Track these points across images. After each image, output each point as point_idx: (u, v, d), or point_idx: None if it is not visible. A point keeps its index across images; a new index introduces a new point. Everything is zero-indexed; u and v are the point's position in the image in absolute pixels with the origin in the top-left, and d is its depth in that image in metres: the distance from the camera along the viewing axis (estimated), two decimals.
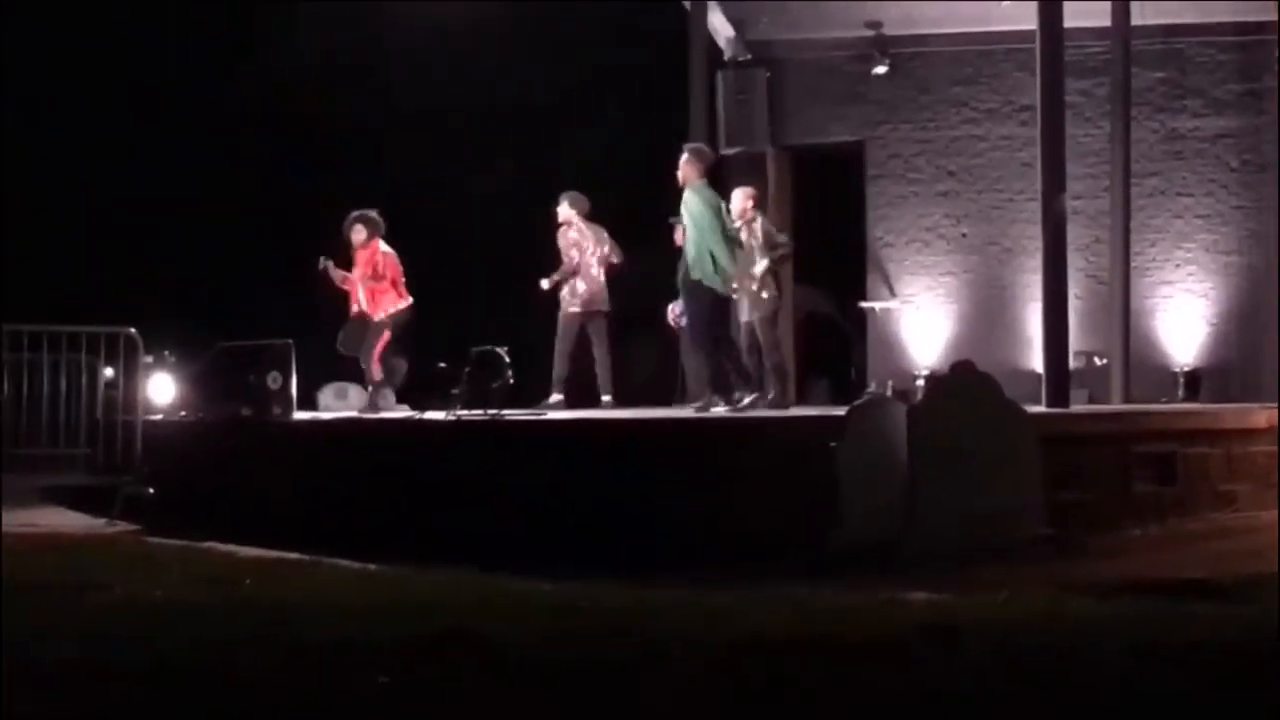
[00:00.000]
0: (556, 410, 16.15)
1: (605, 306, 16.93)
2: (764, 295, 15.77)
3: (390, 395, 16.89)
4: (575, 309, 16.84)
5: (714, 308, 15.47)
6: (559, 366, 16.77)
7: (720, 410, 15.03)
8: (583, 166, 19.61)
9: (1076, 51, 17.95)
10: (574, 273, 16.87)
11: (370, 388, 16.92)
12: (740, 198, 16.05)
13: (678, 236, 16.41)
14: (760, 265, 15.70)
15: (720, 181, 20.33)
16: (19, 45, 23.55)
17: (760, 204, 16.17)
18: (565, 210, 17.00)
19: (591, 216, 17.07)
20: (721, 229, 15.30)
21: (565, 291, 16.88)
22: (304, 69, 22.94)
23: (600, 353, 16.88)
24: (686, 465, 12.50)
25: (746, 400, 15.18)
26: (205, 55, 23.73)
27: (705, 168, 15.66)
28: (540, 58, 21.75)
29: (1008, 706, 7.05)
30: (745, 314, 16.03)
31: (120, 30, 23.71)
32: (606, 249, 16.95)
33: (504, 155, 22.34)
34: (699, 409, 15.27)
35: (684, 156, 15.61)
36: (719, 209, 15.42)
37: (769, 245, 15.82)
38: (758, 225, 15.89)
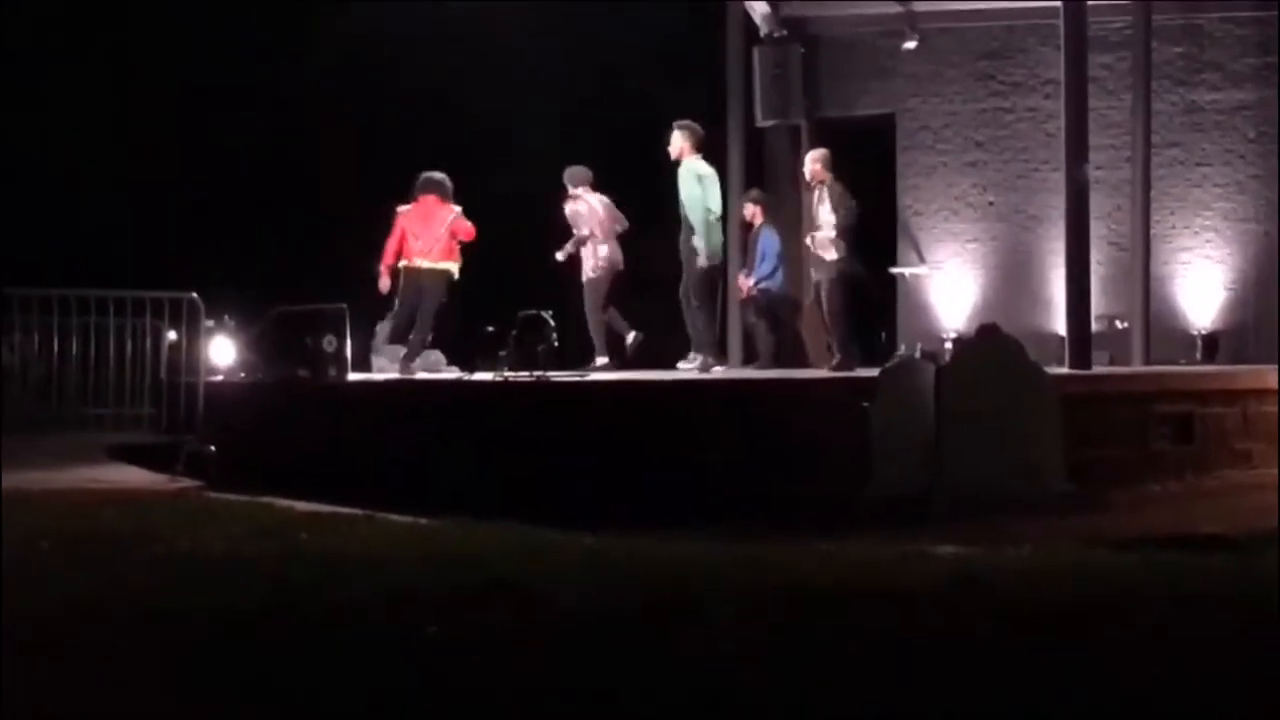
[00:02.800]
0: (603, 372, 16.14)
1: (620, 268, 16.86)
2: (828, 258, 15.81)
3: (426, 356, 16.83)
4: (598, 274, 16.73)
5: (707, 272, 15.74)
6: (600, 330, 16.72)
7: (718, 370, 15.61)
8: (621, 141, 19.58)
9: (1099, 27, 17.83)
10: (584, 242, 16.75)
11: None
12: (810, 161, 16.19)
13: (747, 213, 17.65)
14: (826, 229, 15.77)
15: (758, 153, 20.42)
16: (93, 21, 23.62)
17: (831, 167, 16.10)
18: (571, 183, 16.91)
19: (611, 188, 17.02)
20: (712, 203, 15.67)
21: (588, 259, 16.77)
22: (359, 46, 22.95)
23: (611, 313, 16.78)
24: (724, 425, 12.48)
25: (710, 362, 15.75)
26: (267, 30, 23.75)
27: (698, 143, 15.84)
28: (582, 36, 21.68)
29: (1032, 653, 7.02)
30: (815, 276, 16.18)
31: (189, 3, 23.74)
32: (613, 216, 16.85)
33: (545, 130, 22.31)
34: (701, 368, 15.59)
35: (676, 132, 15.80)
36: (714, 182, 15.74)
37: (837, 209, 15.79)
38: (826, 189, 15.88)
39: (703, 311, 15.81)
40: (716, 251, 15.76)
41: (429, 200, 16.22)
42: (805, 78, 20.16)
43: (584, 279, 16.78)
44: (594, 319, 16.69)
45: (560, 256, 16.91)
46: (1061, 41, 15.29)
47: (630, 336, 16.53)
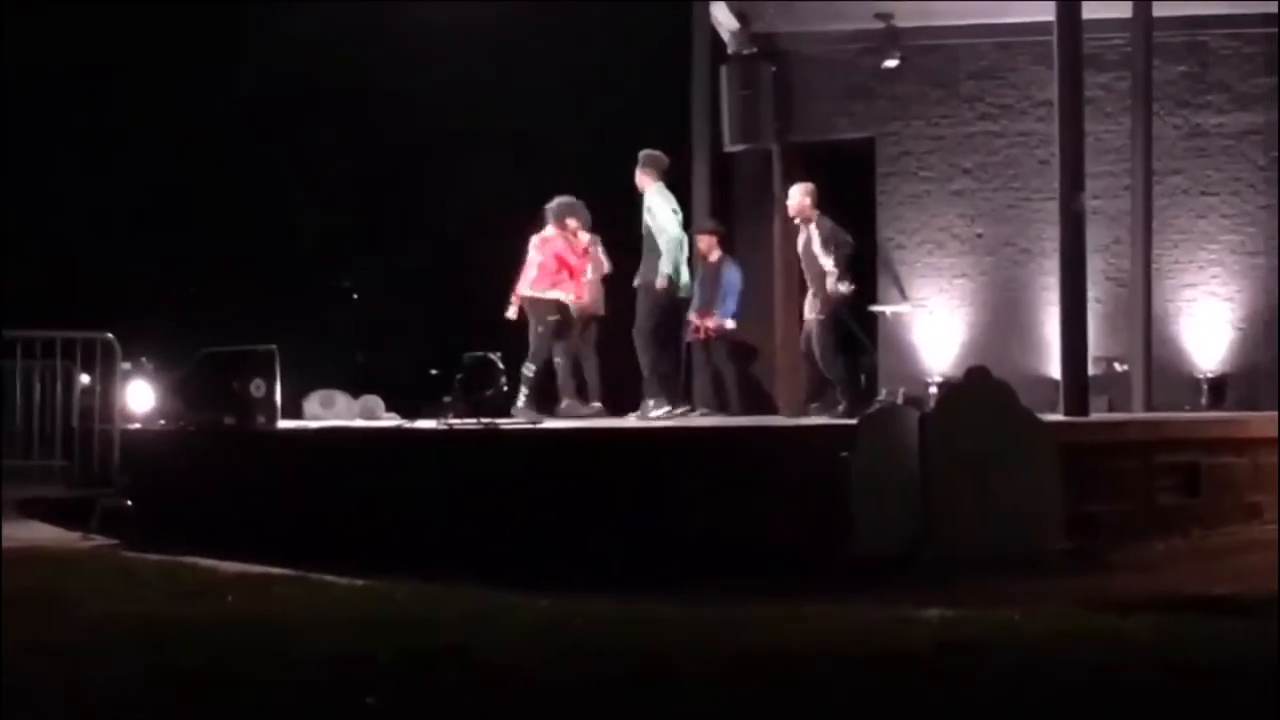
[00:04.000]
0: (598, 416, 16.29)
1: (601, 312, 17.02)
2: (824, 295, 15.88)
3: (365, 401, 16.91)
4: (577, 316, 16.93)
5: (665, 310, 16.05)
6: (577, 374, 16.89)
7: (658, 414, 15.65)
8: (579, 166, 19.60)
9: (1096, 44, 17.94)
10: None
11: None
12: (798, 194, 16.31)
13: (702, 245, 17.65)
14: (825, 264, 15.85)
15: (726, 180, 20.44)
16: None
17: (819, 202, 16.22)
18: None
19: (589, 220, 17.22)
20: (680, 234, 16.11)
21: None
22: (287, 72, 22.93)
23: (591, 359, 16.93)
24: (692, 476, 12.48)
25: (659, 411, 15.79)
26: (186, 57, 23.73)
27: (661, 173, 16.26)
28: (539, 52, 21.73)
29: None
30: (807, 313, 16.24)
31: (103, 31, 23.72)
32: (596, 259, 17.03)
33: (499, 155, 22.34)
34: (639, 416, 15.81)
35: (640, 163, 16.25)
36: (678, 213, 16.17)
37: (830, 244, 15.87)
38: (813, 225, 16.00)
39: (650, 348, 15.93)
40: (682, 283, 15.98)
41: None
42: (777, 98, 20.20)
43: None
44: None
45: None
46: (1055, 60, 15.37)
47: (593, 406, 16.71)
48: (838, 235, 16.01)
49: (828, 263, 15.91)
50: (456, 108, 22.59)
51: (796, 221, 16.31)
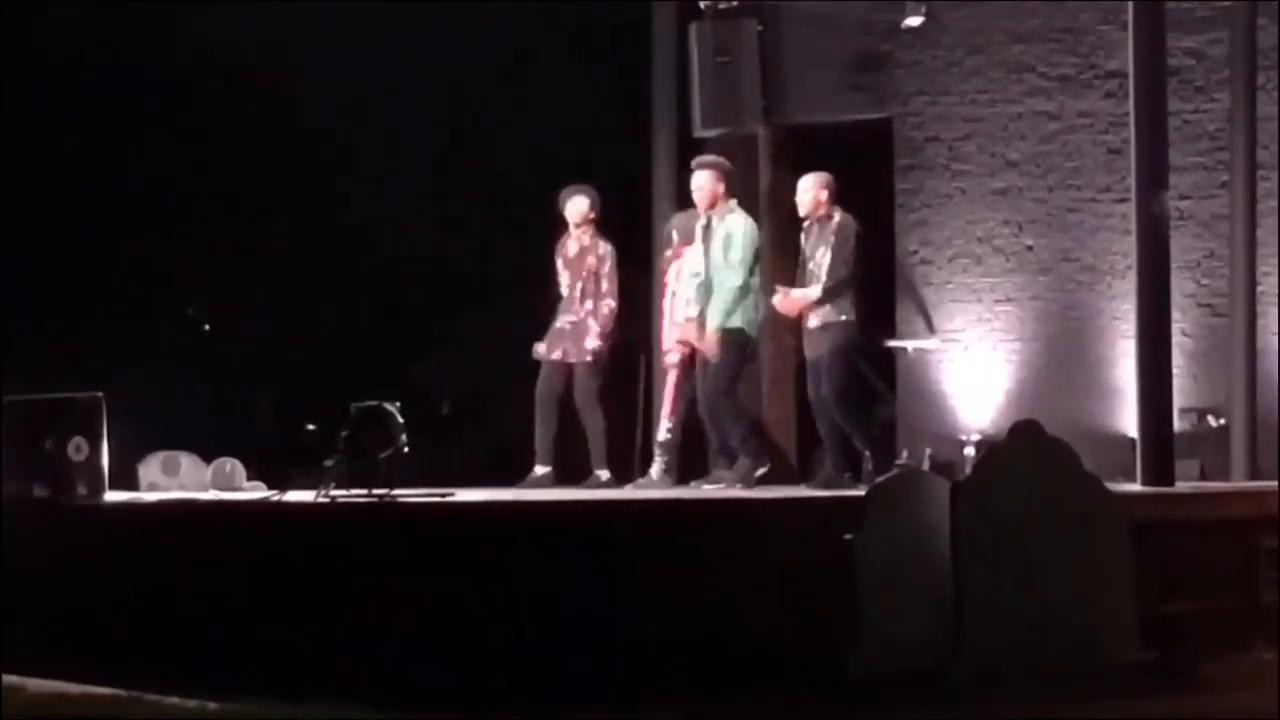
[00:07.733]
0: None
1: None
2: (834, 320, 15.86)
3: (221, 467, 16.96)
4: (598, 354, 17.07)
5: (745, 359, 16.56)
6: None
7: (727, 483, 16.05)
8: (515, 154, 19.64)
9: None
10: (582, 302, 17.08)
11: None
12: (814, 186, 16.24)
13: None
14: (817, 280, 15.84)
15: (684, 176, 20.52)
16: None
17: (837, 196, 16.28)
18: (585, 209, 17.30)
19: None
20: (742, 265, 16.37)
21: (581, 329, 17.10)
22: (121, 62, 22.97)
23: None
24: (652, 563, 12.50)
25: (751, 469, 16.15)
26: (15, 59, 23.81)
27: (732, 185, 16.60)
28: (472, 12, 21.75)
29: None
30: (808, 350, 16.23)
31: None
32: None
33: (401, 147, 22.35)
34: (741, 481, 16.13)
35: (707, 171, 16.63)
36: (752, 239, 16.48)
37: (845, 253, 15.82)
38: (834, 224, 16.03)
39: (732, 405, 16.10)
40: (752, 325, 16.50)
41: None
42: (764, 67, 20.26)
43: (574, 360, 17.14)
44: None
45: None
46: (1130, 18, 15.45)
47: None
48: (848, 247, 15.96)
49: (823, 272, 15.97)
50: (343, 85, 22.63)
51: (807, 222, 16.29)
